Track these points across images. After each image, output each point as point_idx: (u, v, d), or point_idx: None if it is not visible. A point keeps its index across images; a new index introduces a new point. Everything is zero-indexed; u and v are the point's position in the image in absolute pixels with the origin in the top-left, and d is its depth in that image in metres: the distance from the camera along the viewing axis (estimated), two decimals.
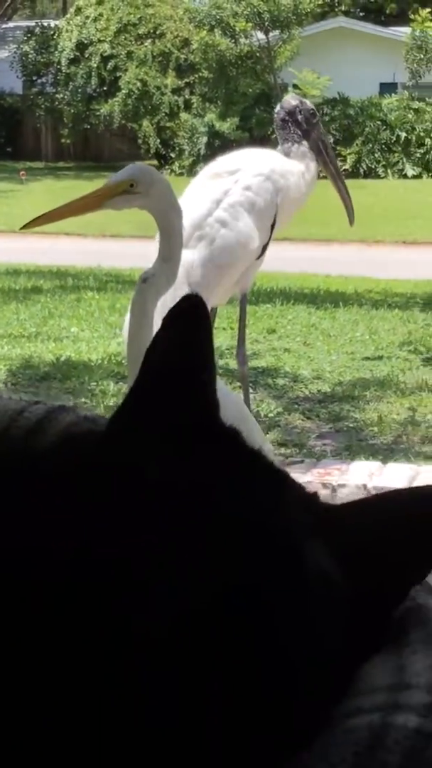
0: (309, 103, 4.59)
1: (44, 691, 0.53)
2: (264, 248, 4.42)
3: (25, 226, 3.14)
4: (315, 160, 4.48)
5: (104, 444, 0.60)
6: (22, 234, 15.21)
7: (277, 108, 4.57)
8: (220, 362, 6.47)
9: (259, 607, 0.52)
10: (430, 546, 0.60)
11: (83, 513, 0.56)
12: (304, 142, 4.47)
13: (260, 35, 27.00)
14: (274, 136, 4.73)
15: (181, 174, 25.40)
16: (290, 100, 4.58)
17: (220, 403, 0.63)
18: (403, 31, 28.59)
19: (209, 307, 3.85)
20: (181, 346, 0.62)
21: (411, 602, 0.59)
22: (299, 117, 4.46)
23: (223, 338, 7.29)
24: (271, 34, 26.83)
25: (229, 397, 3.14)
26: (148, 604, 0.52)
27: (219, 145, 25.81)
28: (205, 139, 27.26)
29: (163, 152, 28.06)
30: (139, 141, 28.64)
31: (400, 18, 32.42)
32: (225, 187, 4.32)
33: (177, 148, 28.26)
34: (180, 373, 0.61)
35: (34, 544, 0.56)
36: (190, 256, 3.60)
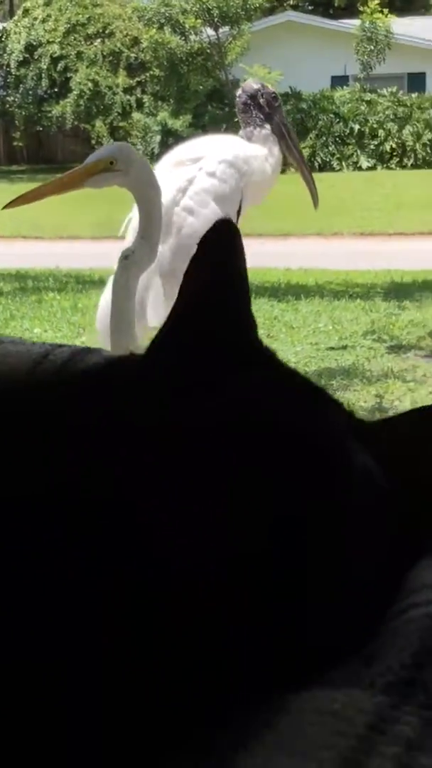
0: (270, 88, 4.59)
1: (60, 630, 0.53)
2: None
3: (7, 206, 3.15)
4: (278, 144, 4.48)
5: (143, 369, 0.61)
6: None
7: (239, 92, 4.56)
8: None
9: (314, 509, 0.53)
10: None
11: (123, 441, 0.56)
12: (267, 126, 4.46)
13: (210, 32, 27.00)
14: (228, 132, 4.74)
15: None
16: (252, 83, 4.58)
17: None
18: (352, 24, 28.68)
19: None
20: (216, 269, 0.63)
21: None
22: (261, 101, 4.46)
23: None
24: (220, 30, 26.84)
25: None
26: (207, 524, 0.53)
27: (173, 143, 25.77)
28: (158, 138, 27.21)
29: None
30: (93, 142, 28.52)
31: (349, 10, 32.57)
32: (189, 174, 4.32)
33: None
34: (216, 295, 0.62)
35: (70, 477, 0.56)
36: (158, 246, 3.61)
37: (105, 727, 0.50)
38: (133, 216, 4.08)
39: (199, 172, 4.33)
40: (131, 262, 2.88)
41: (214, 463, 0.55)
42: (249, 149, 4.43)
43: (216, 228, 0.64)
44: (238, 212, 4.40)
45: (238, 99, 4.52)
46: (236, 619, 0.51)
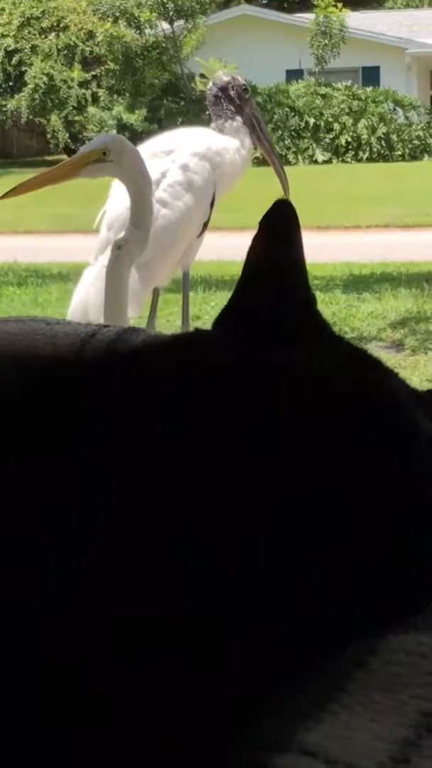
0: (240, 79, 4.62)
1: None
2: (204, 225, 4.47)
3: (4, 195, 3.18)
4: (249, 136, 4.52)
5: (213, 340, 0.63)
6: None
7: (209, 84, 4.60)
8: None
9: (388, 474, 0.56)
10: None
11: (206, 408, 0.58)
12: (238, 118, 4.50)
13: (165, 25, 26.96)
14: (184, 126, 4.76)
15: None
16: (222, 76, 4.61)
17: None
18: (306, 18, 28.72)
19: (153, 287, 3.86)
20: (276, 247, 0.66)
21: None
22: (232, 93, 4.49)
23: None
24: (175, 24, 26.80)
25: None
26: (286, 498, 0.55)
27: (129, 137, 25.72)
28: (114, 132, 27.11)
29: (73, 146, 27.77)
30: (48, 136, 28.44)
31: (303, 4, 32.59)
32: (163, 167, 4.34)
33: (86, 142, 28.02)
34: (278, 271, 0.65)
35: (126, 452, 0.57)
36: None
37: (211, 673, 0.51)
38: (108, 209, 4.11)
39: (172, 164, 4.35)
40: (124, 252, 2.91)
41: (285, 439, 0.57)
42: (221, 141, 4.46)
43: (275, 208, 0.67)
44: (212, 204, 4.43)
45: (209, 92, 4.55)
46: (329, 575, 0.54)
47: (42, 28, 28.73)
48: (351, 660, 0.49)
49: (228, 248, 12.99)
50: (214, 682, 0.49)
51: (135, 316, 4.09)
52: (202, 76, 24.57)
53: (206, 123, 4.79)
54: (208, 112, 4.68)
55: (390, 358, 7.17)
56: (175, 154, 4.38)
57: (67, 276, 9.62)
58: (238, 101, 4.50)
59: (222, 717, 0.48)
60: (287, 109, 26.91)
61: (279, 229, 0.68)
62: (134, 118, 26.99)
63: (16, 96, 28.61)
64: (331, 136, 26.86)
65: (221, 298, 9.37)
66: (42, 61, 28.41)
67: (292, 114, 26.91)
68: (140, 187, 3.06)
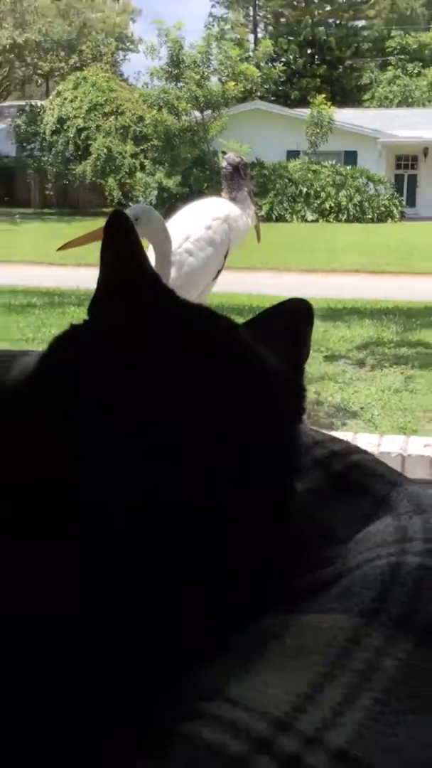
0: (244, 158, 4.65)
1: None
2: (218, 272, 4.50)
3: (59, 249, 3.20)
4: (251, 201, 4.57)
5: (89, 326, 0.61)
6: (18, 263, 15.08)
7: (224, 164, 4.60)
8: None
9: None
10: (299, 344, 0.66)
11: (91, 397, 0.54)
12: (245, 189, 4.54)
13: (196, 113, 26.94)
14: (208, 190, 4.77)
15: None
16: (233, 157, 4.62)
17: None
18: (303, 112, 28.68)
19: None
20: (117, 243, 0.64)
21: (389, 488, 0.62)
22: (241, 170, 4.52)
23: None
24: (205, 113, 26.79)
25: None
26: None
27: (166, 197, 25.72)
28: (155, 193, 27.09)
29: (124, 202, 27.78)
30: (106, 193, 28.41)
31: (302, 102, 32.52)
32: (192, 227, 4.38)
33: (134, 200, 28.07)
34: (123, 262, 0.63)
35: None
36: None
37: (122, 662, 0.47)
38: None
39: (198, 225, 4.38)
40: None
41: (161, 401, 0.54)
42: (235, 210, 4.50)
43: (110, 219, 0.65)
44: (225, 255, 4.47)
45: (224, 170, 4.57)
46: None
47: (104, 112, 28.70)
48: (268, 632, 0.49)
49: (236, 284, 13.01)
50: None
51: None
52: (224, 153, 24.49)
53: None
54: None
55: (354, 372, 7.17)
56: (201, 218, 4.41)
57: None
58: (244, 176, 4.53)
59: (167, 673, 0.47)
60: (286, 180, 26.85)
61: (118, 237, 0.65)
62: (171, 183, 26.94)
63: (82, 162, 28.62)
64: (318, 202, 26.78)
65: None
66: (103, 137, 28.37)
67: (290, 184, 26.85)
68: (163, 247, 3.07)
